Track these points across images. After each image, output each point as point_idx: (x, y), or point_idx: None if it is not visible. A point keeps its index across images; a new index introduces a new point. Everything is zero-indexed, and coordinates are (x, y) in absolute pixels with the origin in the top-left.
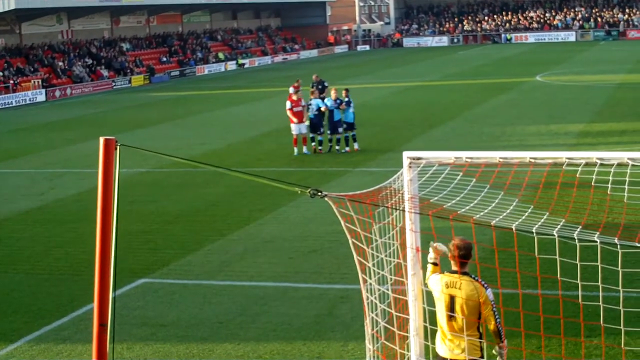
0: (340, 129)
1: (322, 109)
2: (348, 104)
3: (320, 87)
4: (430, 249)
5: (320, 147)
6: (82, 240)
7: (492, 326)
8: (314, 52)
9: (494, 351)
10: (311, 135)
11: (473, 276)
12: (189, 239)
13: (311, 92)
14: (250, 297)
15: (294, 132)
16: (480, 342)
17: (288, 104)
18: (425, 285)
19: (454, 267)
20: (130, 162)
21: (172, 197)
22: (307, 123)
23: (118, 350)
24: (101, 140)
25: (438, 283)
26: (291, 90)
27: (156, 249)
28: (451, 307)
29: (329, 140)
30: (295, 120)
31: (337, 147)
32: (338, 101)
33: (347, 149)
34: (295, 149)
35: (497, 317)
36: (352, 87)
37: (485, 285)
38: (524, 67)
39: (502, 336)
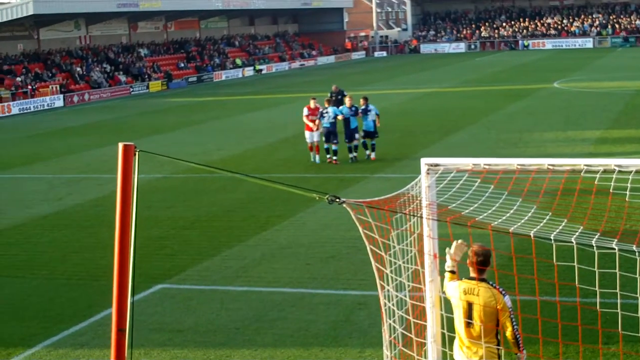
0: (357, 136)
1: (339, 117)
2: (365, 112)
3: (339, 97)
4: (447, 256)
5: (335, 158)
6: (100, 245)
7: (509, 333)
8: (331, 58)
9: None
10: (325, 145)
11: (491, 283)
12: (205, 245)
13: (326, 100)
14: (267, 302)
15: (308, 140)
16: (498, 349)
17: (305, 111)
18: (443, 292)
19: (472, 274)
20: (147, 168)
21: (188, 202)
22: (319, 131)
23: (136, 355)
24: (120, 146)
25: (456, 289)
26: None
27: (173, 254)
28: (469, 313)
29: (348, 148)
30: (312, 127)
31: (354, 154)
32: (354, 109)
33: (369, 152)
34: (312, 154)
35: (514, 324)
36: (370, 93)
37: (503, 292)
38: (541, 73)
39: (520, 344)
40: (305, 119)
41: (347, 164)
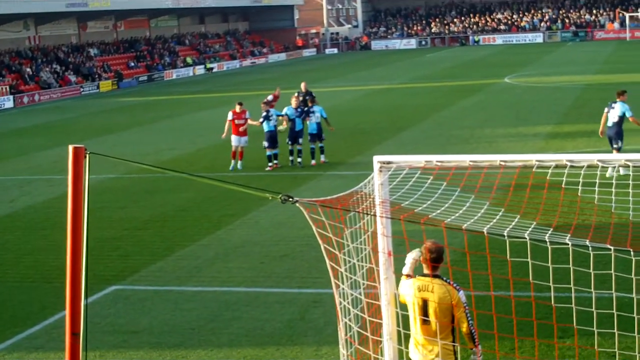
0: (301, 140)
1: (281, 118)
2: (308, 113)
3: (307, 97)
4: (407, 262)
5: (276, 161)
6: (53, 247)
7: (465, 328)
8: (282, 56)
9: (471, 357)
10: (268, 152)
11: (445, 279)
12: (159, 245)
13: (294, 97)
14: (222, 302)
15: (233, 144)
16: (454, 345)
17: (230, 115)
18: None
19: (426, 271)
20: (99, 169)
21: (141, 203)
22: (246, 137)
23: (91, 358)
24: (70, 148)
25: (410, 287)
26: (270, 97)
27: (126, 255)
28: (424, 310)
29: (290, 151)
30: (234, 133)
31: (299, 160)
32: (299, 110)
33: (313, 162)
34: (233, 161)
35: (469, 319)
36: (321, 90)
37: (458, 288)
38: (492, 69)
39: (476, 339)
40: (228, 124)
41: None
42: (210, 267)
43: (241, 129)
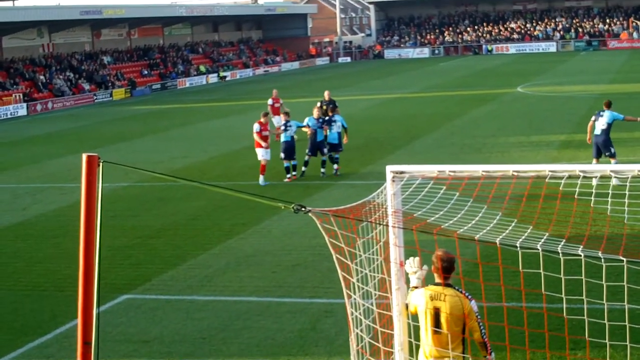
0: (325, 150)
1: (304, 129)
2: (329, 122)
3: (330, 106)
4: (412, 275)
5: (294, 173)
6: (65, 255)
7: (477, 337)
8: (295, 64)
9: None
10: (285, 164)
11: (457, 288)
12: (170, 254)
13: (316, 107)
14: (233, 312)
15: (263, 157)
16: (464, 356)
17: (256, 127)
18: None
19: (437, 280)
20: (111, 177)
21: (153, 211)
22: (269, 149)
23: None
24: (84, 157)
25: (421, 297)
26: (270, 102)
27: (138, 264)
28: (436, 320)
29: (304, 162)
30: (263, 144)
31: (322, 171)
32: (321, 120)
33: (336, 167)
34: (261, 177)
35: (482, 328)
36: (334, 99)
37: (469, 297)
38: (505, 78)
39: (488, 348)
40: (256, 136)
41: (312, 171)
42: (221, 276)
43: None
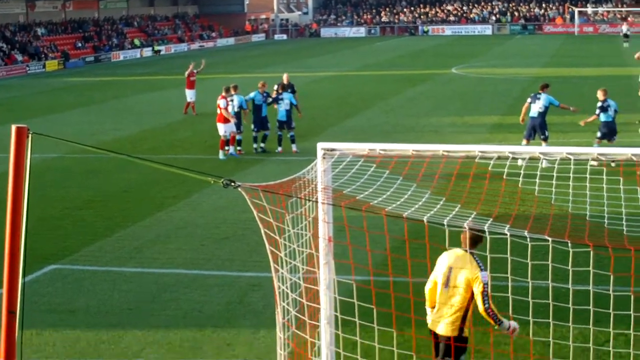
0: (269, 125)
1: (245, 111)
2: (277, 100)
3: (289, 90)
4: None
5: (239, 148)
6: None
7: (481, 307)
8: (231, 40)
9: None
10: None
11: (475, 257)
12: (99, 225)
13: (261, 83)
14: (160, 284)
15: (225, 132)
16: (463, 324)
17: (222, 103)
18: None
19: (463, 247)
20: (41, 148)
21: (83, 183)
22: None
23: (27, 336)
24: (13, 128)
25: (443, 257)
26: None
27: (66, 235)
28: (447, 278)
29: (253, 138)
30: (231, 120)
31: (262, 145)
32: (265, 94)
33: (280, 149)
34: (221, 152)
35: (486, 299)
36: (269, 76)
37: (482, 267)
38: (440, 59)
39: (497, 318)
40: (223, 112)
41: (245, 146)
42: (150, 248)
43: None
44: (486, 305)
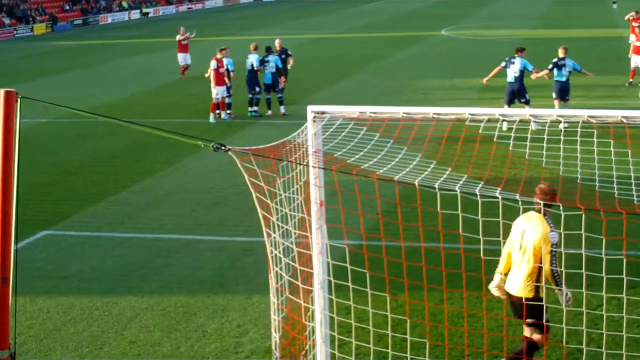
0: (258, 89)
1: (232, 74)
2: (262, 63)
3: (284, 56)
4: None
5: (229, 111)
6: None
7: (547, 267)
8: (219, 2)
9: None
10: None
11: (547, 217)
12: (90, 191)
13: (253, 44)
14: (153, 249)
15: (217, 96)
16: (538, 284)
17: (214, 64)
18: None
19: (537, 207)
20: (30, 113)
21: (73, 148)
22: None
23: (21, 303)
24: (1, 92)
25: (518, 220)
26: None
27: (57, 200)
28: (521, 240)
29: (250, 101)
30: (218, 83)
31: (250, 109)
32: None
33: (269, 112)
34: (212, 115)
35: (553, 259)
36: (257, 38)
37: (552, 227)
38: (430, 20)
39: (559, 281)
40: (213, 73)
41: (235, 110)
42: (141, 213)
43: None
44: (553, 266)
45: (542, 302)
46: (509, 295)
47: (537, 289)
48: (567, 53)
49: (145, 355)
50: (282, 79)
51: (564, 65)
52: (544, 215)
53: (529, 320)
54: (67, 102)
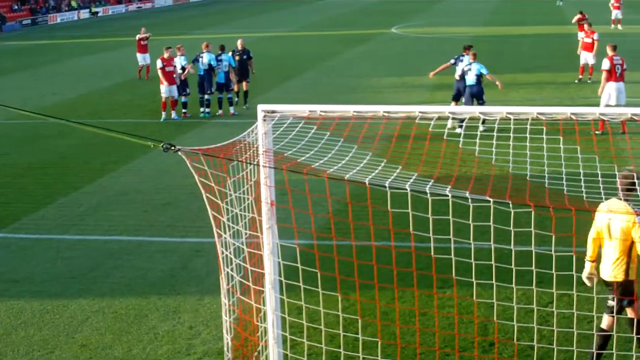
0: (209, 91)
1: (187, 67)
2: (217, 61)
3: (245, 57)
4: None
5: (184, 110)
6: None
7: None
8: (169, 1)
9: None
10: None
11: (631, 204)
12: (40, 193)
13: (204, 43)
14: (104, 251)
15: (164, 95)
16: (629, 269)
17: (159, 63)
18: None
19: (620, 195)
20: None
21: (22, 149)
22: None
23: None
24: None
25: (602, 207)
26: (137, 37)
27: (7, 203)
28: (609, 229)
29: (200, 101)
30: (165, 82)
31: (202, 110)
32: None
33: (220, 111)
34: (164, 114)
35: None
36: (207, 37)
37: (637, 210)
38: (380, 17)
39: None
40: (159, 72)
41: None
42: (92, 215)
43: (174, 76)
44: None
45: (632, 284)
46: (604, 282)
47: (627, 272)
48: (476, 58)
49: (97, 359)
50: (232, 76)
51: (469, 70)
52: (627, 201)
53: (626, 302)
54: (15, 103)
